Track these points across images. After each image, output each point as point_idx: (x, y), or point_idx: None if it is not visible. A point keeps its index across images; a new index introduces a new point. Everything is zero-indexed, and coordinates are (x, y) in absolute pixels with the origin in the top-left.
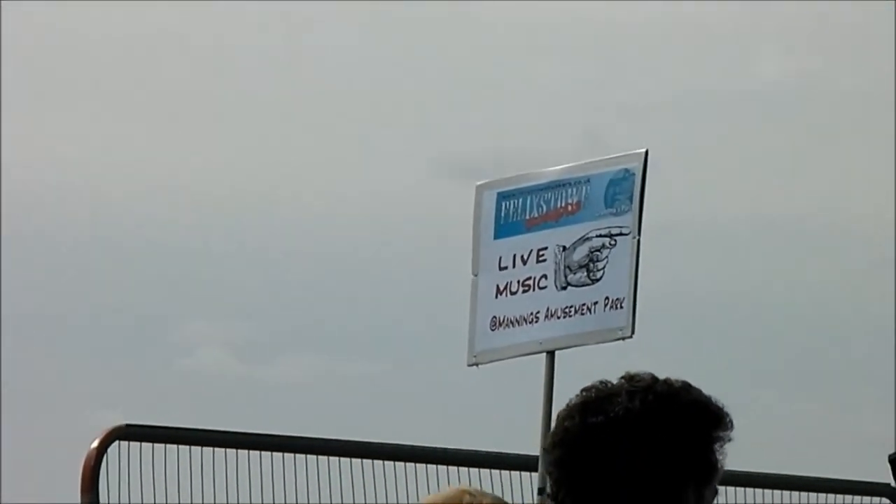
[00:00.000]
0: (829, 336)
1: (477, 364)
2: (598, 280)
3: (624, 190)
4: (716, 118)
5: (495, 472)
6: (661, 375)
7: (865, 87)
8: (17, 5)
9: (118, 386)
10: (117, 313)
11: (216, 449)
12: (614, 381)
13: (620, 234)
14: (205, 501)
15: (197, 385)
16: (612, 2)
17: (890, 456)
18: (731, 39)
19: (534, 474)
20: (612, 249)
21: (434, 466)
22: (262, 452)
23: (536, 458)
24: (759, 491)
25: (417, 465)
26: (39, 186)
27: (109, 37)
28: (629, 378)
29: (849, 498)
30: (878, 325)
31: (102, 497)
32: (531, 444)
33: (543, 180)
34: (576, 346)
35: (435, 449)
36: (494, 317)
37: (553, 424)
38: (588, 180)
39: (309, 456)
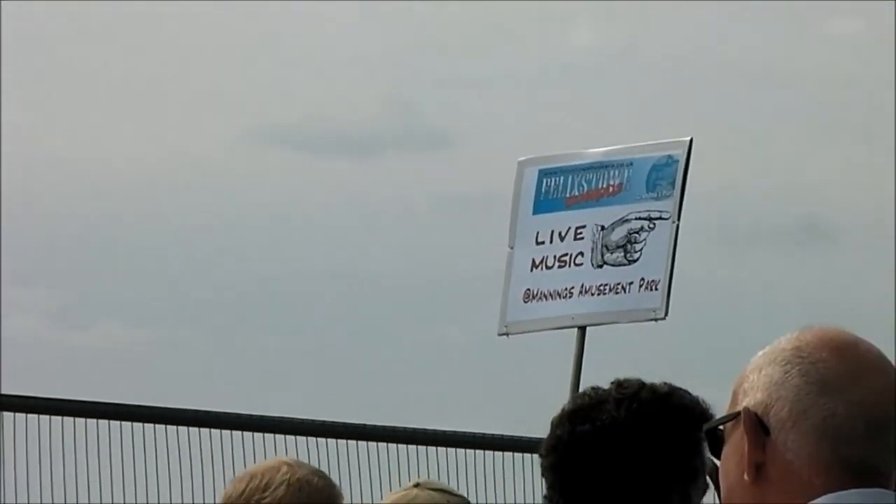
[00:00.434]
0: None
1: (507, 334)
2: (635, 261)
3: (666, 175)
4: (525, 91)
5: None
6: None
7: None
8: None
9: None
10: None
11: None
12: (605, 388)
13: (660, 218)
14: None
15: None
16: None
17: (705, 427)
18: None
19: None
20: (651, 232)
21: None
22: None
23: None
24: None
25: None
26: None
27: None
28: (618, 385)
29: None
30: None
31: None
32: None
33: (586, 160)
34: (608, 323)
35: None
36: (528, 289)
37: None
38: (631, 163)
39: None
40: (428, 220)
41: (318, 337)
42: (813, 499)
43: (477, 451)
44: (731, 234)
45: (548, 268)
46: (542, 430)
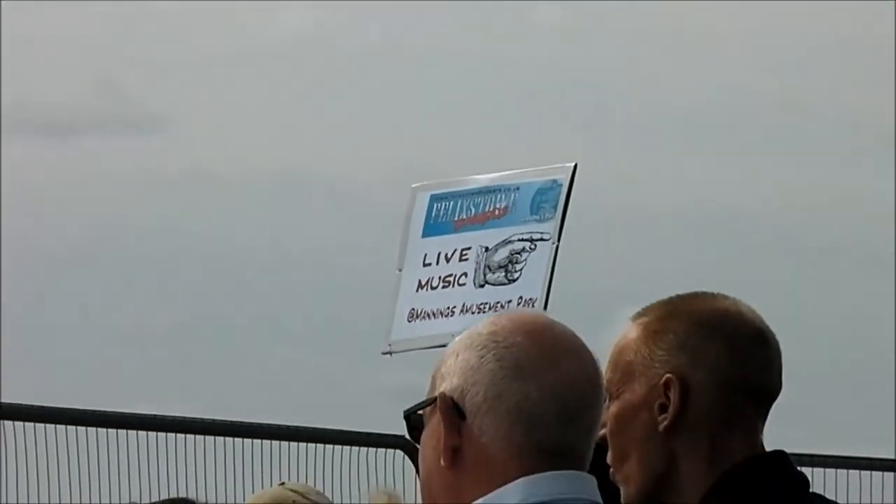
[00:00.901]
0: None
1: (391, 353)
2: (514, 280)
3: (550, 199)
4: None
5: None
6: None
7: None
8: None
9: None
10: None
11: None
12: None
13: (541, 240)
14: None
15: None
16: None
17: (405, 412)
18: None
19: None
20: (532, 253)
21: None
22: None
23: None
24: None
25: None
26: None
27: None
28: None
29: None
30: None
31: None
32: None
33: (475, 185)
34: None
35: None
36: (413, 309)
37: None
38: (517, 188)
39: None
40: (139, 199)
41: None
42: (507, 482)
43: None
44: None
45: (433, 288)
46: None
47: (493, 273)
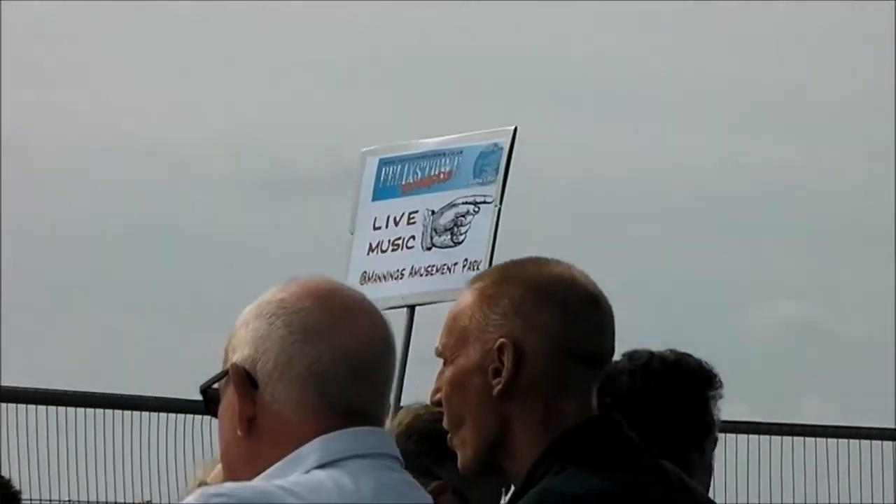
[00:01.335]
0: None
1: None
2: (460, 243)
3: (492, 162)
4: None
5: None
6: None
7: None
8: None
9: None
10: None
11: None
12: (617, 359)
13: (484, 202)
14: None
15: None
16: None
17: (200, 387)
18: None
19: None
20: (476, 216)
21: None
22: None
23: None
24: None
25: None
26: None
27: None
28: (629, 357)
29: None
30: None
31: None
32: None
33: (422, 150)
34: (434, 302)
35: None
36: (364, 272)
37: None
38: (461, 151)
39: None
40: None
41: None
42: (304, 444)
43: None
44: None
45: (382, 251)
46: None
47: (440, 236)
